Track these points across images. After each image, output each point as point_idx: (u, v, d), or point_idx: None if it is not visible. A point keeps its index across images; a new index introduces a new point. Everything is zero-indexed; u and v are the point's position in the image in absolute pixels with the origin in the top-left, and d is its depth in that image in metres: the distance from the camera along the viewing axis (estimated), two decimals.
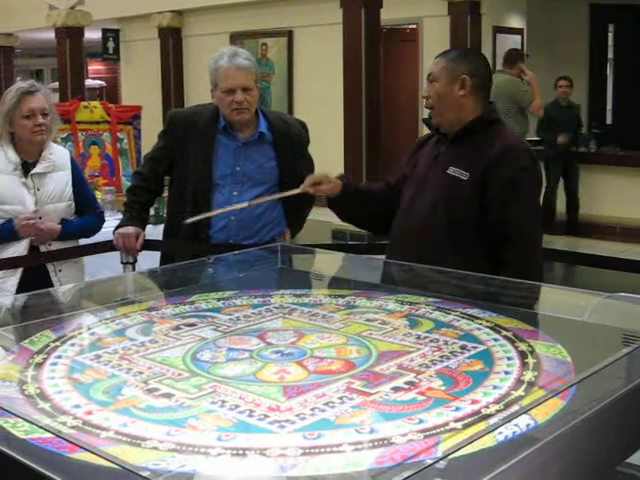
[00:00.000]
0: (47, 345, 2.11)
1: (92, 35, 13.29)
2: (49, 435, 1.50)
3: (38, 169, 3.49)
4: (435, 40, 9.54)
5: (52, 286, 3.43)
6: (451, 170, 2.76)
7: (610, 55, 11.35)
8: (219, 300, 2.56)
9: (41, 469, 1.35)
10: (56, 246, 3.55)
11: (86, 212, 3.70)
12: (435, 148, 2.90)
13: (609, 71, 11.29)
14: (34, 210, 3.46)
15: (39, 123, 3.42)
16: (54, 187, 3.54)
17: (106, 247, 3.60)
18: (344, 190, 2.94)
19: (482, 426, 1.53)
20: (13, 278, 3.45)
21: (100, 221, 3.76)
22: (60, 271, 3.52)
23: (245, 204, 3.20)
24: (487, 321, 2.25)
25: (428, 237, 2.76)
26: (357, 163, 8.30)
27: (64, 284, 3.44)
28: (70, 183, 3.60)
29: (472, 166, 2.73)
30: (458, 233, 2.73)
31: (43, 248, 3.51)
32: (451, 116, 2.80)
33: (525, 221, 2.74)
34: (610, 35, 11.32)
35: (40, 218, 3.46)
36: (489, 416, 1.59)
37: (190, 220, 3.18)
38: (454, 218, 2.73)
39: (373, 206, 3.02)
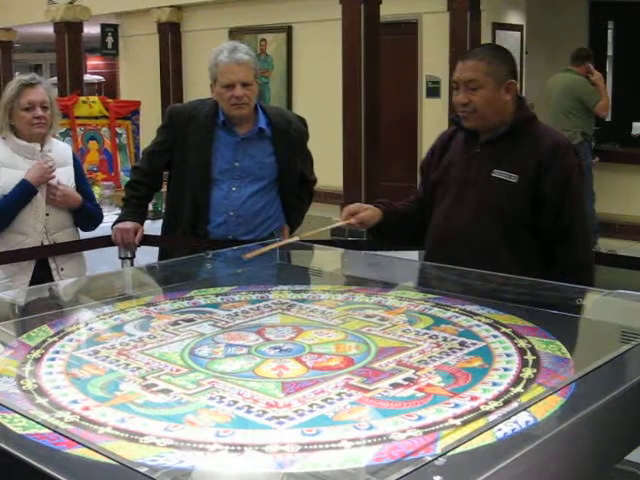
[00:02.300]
0: (45, 340, 2.10)
1: (91, 30, 13.27)
2: (46, 431, 1.49)
3: None
4: (434, 36, 9.52)
5: None
6: (497, 173, 2.69)
7: (609, 52, 11.32)
8: (217, 296, 2.55)
9: (38, 465, 1.34)
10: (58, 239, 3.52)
11: None
12: (467, 148, 2.80)
13: (608, 68, 11.26)
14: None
15: (38, 115, 3.40)
16: (57, 182, 3.51)
17: (104, 242, 3.59)
18: (385, 216, 2.89)
19: (481, 423, 1.52)
20: (25, 276, 3.41)
21: (101, 215, 3.75)
22: (62, 270, 3.49)
23: (296, 238, 2.96)
24: (486, 317, 2.24)
25: (478, 237, 2.70)
26: (356, 158, 8.29)
27: None
28: (73, 178, 3.57)
29: (521, 168, 2.67)
30: (509, 231, 2.68)
31: (45, 242, 3.48)
32: (496, 120, 2.71)
33: (579, 218, 2.71)
34: (609, 32, 11.30)
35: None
36: (488, 413, 1.59)
37: (249, 255, 2.79)
38: (505, 218, 2.67)
39: (412, 224, 2.96)
